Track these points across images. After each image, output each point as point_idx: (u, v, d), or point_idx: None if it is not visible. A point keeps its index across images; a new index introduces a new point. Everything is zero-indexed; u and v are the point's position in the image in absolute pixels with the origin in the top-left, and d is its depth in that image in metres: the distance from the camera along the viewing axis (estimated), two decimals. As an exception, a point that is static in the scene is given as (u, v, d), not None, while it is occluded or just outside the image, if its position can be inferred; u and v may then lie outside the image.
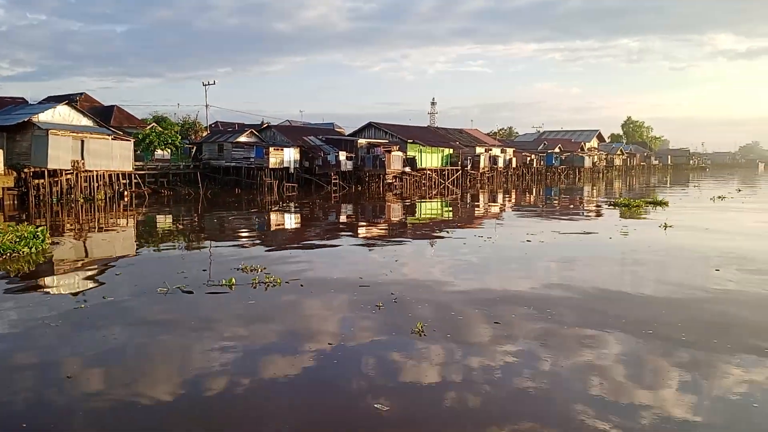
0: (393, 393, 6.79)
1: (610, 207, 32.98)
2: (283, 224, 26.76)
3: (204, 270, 13.87)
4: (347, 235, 21.97)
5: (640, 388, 6.79)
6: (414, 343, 8.39)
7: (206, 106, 59.54)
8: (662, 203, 32.25)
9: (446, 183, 59.67)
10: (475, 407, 6.39)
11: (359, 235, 22.21)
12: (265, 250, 17.86)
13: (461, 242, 18.51)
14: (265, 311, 10.35)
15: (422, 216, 30.86)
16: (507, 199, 44.40)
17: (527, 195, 49.83)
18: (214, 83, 60.23)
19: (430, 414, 6.32)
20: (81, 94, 53.93)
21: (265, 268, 13.54)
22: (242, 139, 48.70)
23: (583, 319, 9.55)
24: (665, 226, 21.41)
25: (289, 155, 47.23)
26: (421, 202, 39.92)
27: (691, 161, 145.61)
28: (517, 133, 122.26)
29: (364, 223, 26.80)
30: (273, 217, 29.67)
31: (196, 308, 10.52)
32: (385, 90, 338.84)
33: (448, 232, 21.94)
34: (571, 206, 36.61)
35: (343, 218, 29.74)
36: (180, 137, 50.24)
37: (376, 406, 6.38)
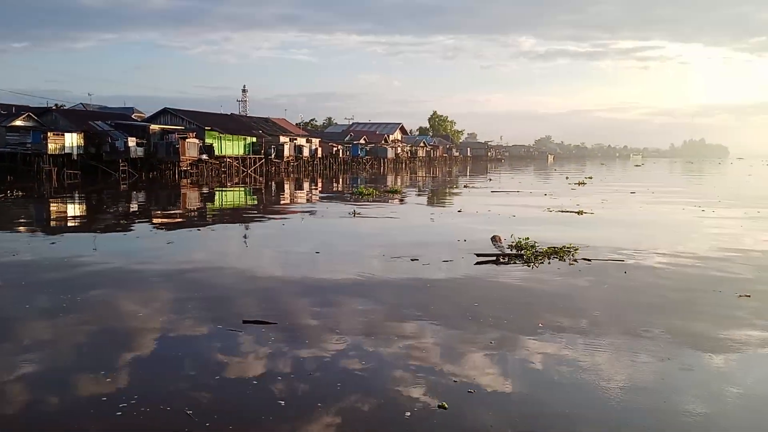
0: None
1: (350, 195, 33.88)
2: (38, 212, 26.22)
3: None
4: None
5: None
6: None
7: (-22, 85, 54.23)
8: (397, 191, 34.68)
9: (249, 171, 60.68)
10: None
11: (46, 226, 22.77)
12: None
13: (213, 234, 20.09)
14: None
15: (218, 204, 31.27)
16: (312, 186, 46.59)
17: (332, 183, 52.26)
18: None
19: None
20: None
21: None
22: (18, 123, 45.55)
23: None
24: (354, 214, 22.34)
25: (72, 141, 45.16)
26: (220, 190, 40.08)
27: (489, 153, 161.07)
28: (336, 123, 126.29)
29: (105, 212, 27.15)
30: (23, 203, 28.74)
31: None
32: (207, 73, 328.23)
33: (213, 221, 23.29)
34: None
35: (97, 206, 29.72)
36: (-58, 119, 45.66)
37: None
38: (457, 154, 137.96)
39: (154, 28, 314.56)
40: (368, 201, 28.57)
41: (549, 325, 8.17)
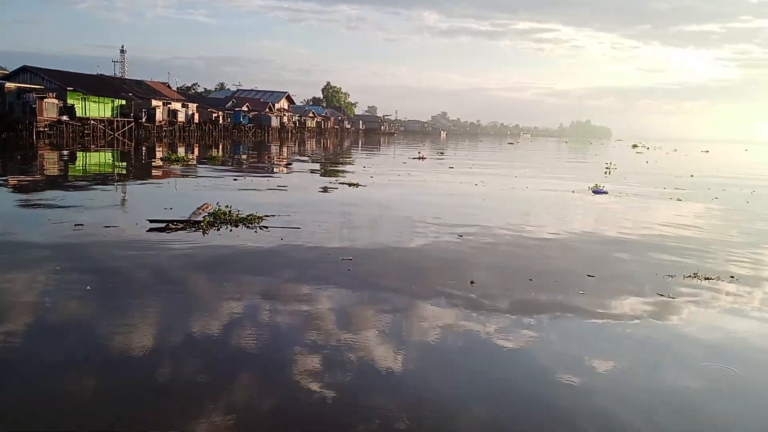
0: None
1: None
2: None
3: None
4: None
5: None
6: None
7: None
8: (215, 158, 37.17)
9: (116, 134, 60.99)
10: None
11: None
12: None
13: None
14: None
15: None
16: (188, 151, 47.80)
17: (210, 149, 53.31)
18: None
19: None
20: None
21: None
22: None
23: None
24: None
25: None
26: (82, 152, 40.78)
27: (382, 127, 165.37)
28: (228, 89, 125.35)
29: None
30: None
31: None
32: (99, 33, 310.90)
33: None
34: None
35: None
36: None
37: None
38: (349, 126, 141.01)
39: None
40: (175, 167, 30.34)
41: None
